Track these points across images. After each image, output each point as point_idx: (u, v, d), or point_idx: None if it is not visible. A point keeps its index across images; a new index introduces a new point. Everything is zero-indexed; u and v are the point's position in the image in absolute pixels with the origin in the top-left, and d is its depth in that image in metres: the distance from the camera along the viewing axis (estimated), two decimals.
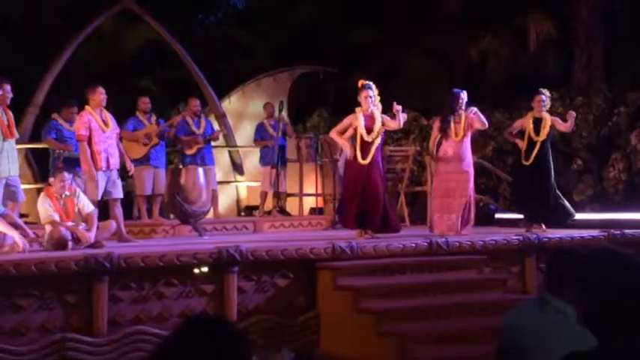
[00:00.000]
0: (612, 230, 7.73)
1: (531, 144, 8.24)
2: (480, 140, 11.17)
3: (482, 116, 7.95)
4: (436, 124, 8.08)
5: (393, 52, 14.75)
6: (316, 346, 6.14)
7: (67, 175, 6.98)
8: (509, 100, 12.43)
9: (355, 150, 7.43)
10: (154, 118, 9.43)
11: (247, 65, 14.43)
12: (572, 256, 2.61)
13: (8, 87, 7.05)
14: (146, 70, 14.54)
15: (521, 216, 8.75)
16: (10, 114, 7.12)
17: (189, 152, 9.47)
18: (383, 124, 7.49)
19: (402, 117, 7.52)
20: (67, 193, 6.94)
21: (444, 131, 7.89)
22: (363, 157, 7.38)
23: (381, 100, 7.64)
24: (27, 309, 5.49)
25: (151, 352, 1.67)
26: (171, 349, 1.63)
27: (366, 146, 7.42)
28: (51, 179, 7.09)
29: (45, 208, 6.83)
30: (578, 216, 8.63)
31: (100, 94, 7.55)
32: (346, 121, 7.58)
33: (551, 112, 8.71)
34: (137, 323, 5.74)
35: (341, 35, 15.16)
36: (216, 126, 10.93)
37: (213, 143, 9.93)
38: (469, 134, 7.96)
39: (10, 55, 13.01)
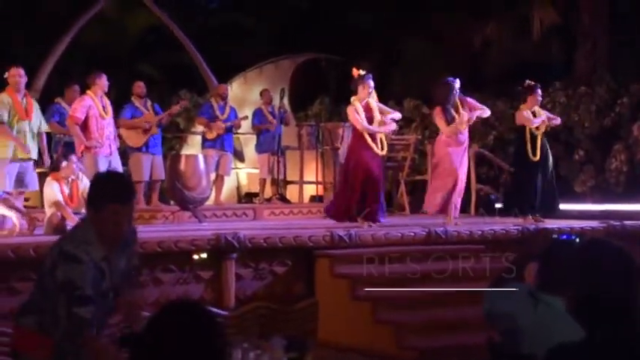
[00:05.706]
0: (611, 221, 7.71)
1: (534, 138, 8.16)
2: (480, 129, 11.12)
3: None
4: (438, 113, 7.91)
5: (394, 40, 14.68)
6: (314, 333, 6.15)
7: (75, 158, 7.05)
8: (512, 89, 12.35)
9: (366, 140, 7.33)
10: (149, 103, 9.32)
11: (249, 52, 14.37)
12: (563, 245, 2.64)
13: (19, 71, 7.14)
14: (147, 56, 14.49)
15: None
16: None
17: (209, 137, 9.45)
18: (382, 112, 7.43)
19: (391, 124, 7.52)
20: (73, 177, 6.94)
21: (449, 123, 7.77)
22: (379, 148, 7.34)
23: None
24: (25, 292, 5.48)
25: (133, 336, 1.69)
26: (149, 332, 1.65)
27: (372, 137, 7.35)
28: (63, 163, 7.03)
29: (52, 191, 6.80)
30: (579, 206, 8.61)
31: (105, 80, 7.79)
32: (357, 114, 7.42)
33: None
34: None
35: (343, 22, 15.09)
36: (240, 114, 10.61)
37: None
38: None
39: (10, 39, 12.98)
